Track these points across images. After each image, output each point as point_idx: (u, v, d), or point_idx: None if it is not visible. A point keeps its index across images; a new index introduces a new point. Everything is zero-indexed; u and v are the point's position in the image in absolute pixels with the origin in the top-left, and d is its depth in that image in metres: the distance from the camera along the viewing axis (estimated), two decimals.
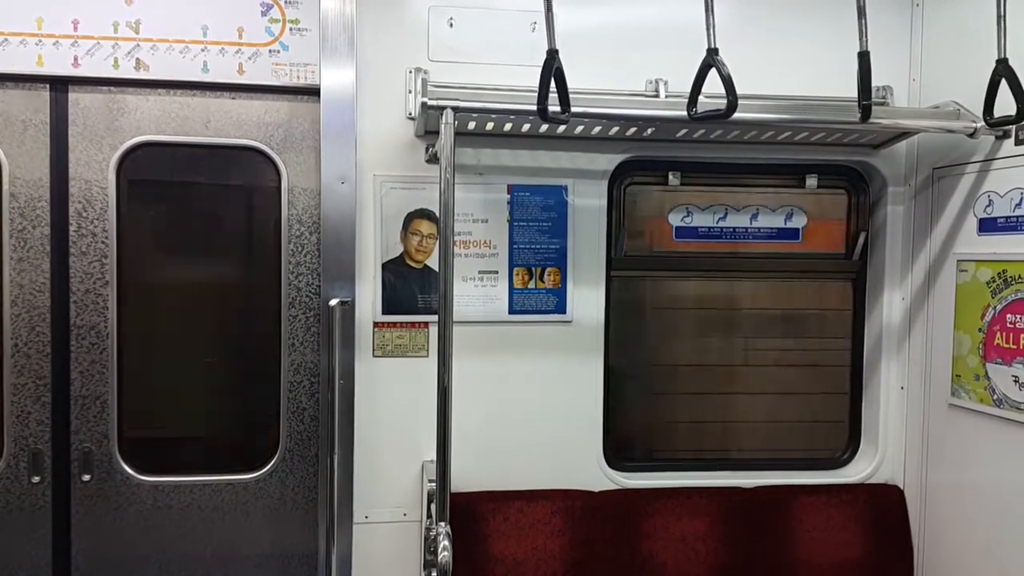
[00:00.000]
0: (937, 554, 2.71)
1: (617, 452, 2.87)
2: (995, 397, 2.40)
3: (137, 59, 2.48)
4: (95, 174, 2.53)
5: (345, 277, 2.60)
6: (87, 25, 2.45)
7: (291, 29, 2.55)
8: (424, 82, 2.51)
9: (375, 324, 2.66)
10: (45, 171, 2.51)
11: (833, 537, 2.76)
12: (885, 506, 2.82)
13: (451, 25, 2.62)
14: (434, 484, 2.33)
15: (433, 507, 2.36)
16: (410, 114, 2.60)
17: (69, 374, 2.55)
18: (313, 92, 2.57)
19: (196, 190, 2.69)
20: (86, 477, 2.57)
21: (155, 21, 2.48)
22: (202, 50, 2.51)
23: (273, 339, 2.66)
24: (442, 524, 2.22)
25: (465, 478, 2.63)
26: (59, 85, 2.50)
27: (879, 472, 2.88)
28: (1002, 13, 1.97)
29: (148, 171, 2.61)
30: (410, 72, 2.59)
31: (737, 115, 2.02)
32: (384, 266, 2.65)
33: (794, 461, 2.96)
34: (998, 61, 2.03)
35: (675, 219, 2.91)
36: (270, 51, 2.55)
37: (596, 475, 2.77)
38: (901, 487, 2.86)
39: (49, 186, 2.51)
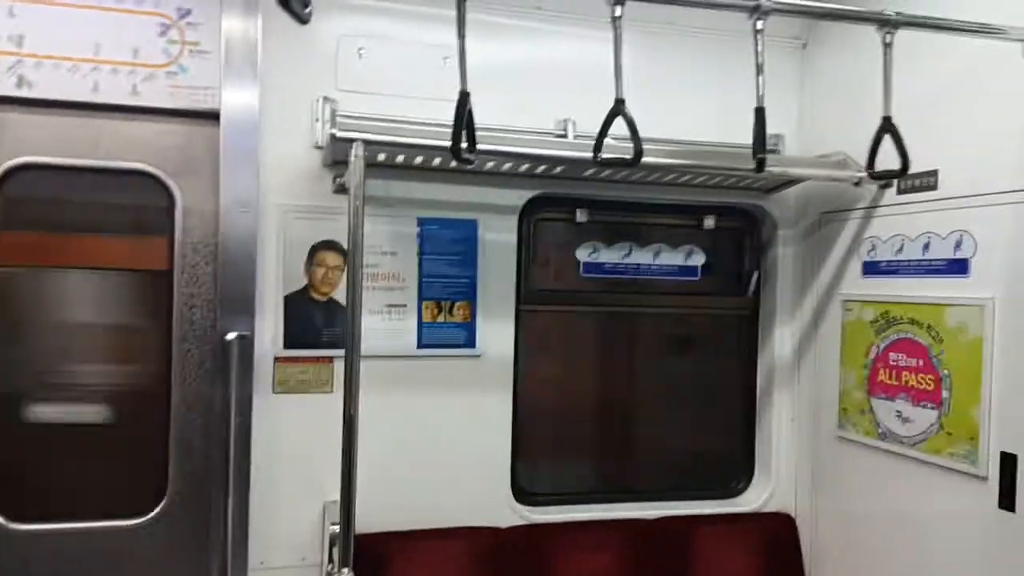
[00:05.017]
0: None
1: (526, 486, 2.83)
2: (880, 431, 2.51)
3: (20, 75, 2.25)
4: None
5: (244, 310, 2.45)
6: None
7: (190, 51, 2.39)
8: (333, 112, 2.43)
9: (276, 359, 2.52)
10: None
11: (729, 565, 2.81)
12: (777, 534, 2.89)
13: (360, 55, 2.55)
14: (336, 526, 2.22)
15: (335, 550, 2.26)
16: (317, 143, 2.51)
17: None
18: (213, 116, 2.42)
19: (83, 215, 2.47)
20: None
21: (41, 36, 2.26)
22: (93, 69, 2.32)
23: (162, 374, 2.47)
24: (345, 570, 2.13)
25: (369, 518, 2.50)
26: None
27: (772, 501, 2.96)
28: (888, 74, 2.09)
29: (30, 194, 2.38)
30: (318, 101, 2.49)
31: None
32: (287, 299, 2.52)
33: (694, 491, 3.01)
34: (884, 118, 2.11)
35: (583, 255, 2.92)
36: (167, 73, 2.38)
37: (504, 511, 2.71)
38: (792, 515, 2.94)
39: None
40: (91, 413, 2.50)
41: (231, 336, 2.40)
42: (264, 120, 2.45)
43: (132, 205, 2.52)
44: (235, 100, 2.43)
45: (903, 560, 2.43)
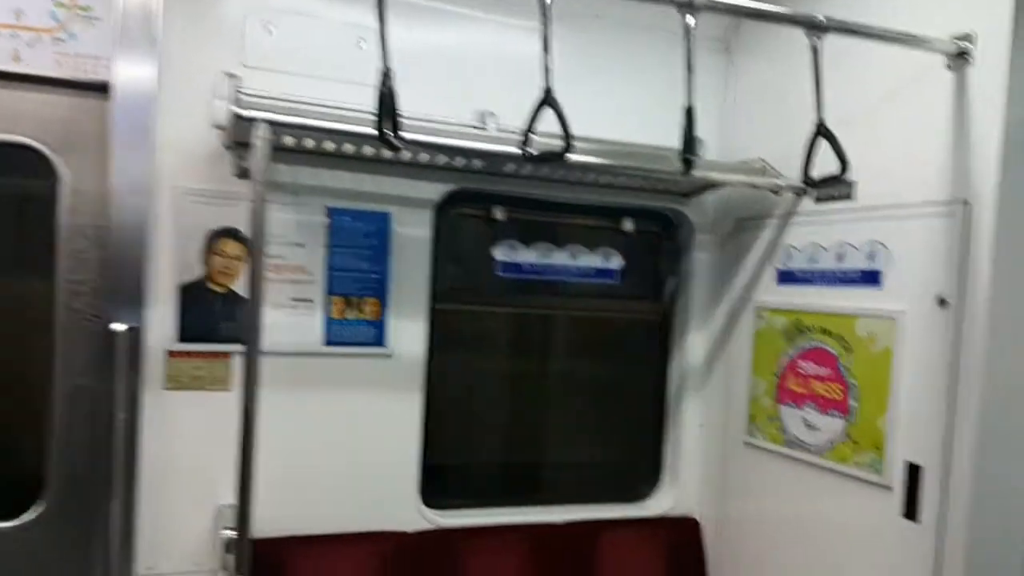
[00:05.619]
0: None
1: (434, 490, 2.69)
2: (787, 438, 2.48)
3: None
4: None
5: (134, 299, 2.23)
6: None
7: (81, 16, 2.14)
8: (236, 90, 2.25)
9: (169, 353, 2.30)
10: None
11: (636, 568, 2.76)
12: (682, 538, 2.85)
13: (269, 31, 2.36)
14: (230, 531, 2.07)
15: (229, 556, 2.12)
16: (218, 123, 2.30)
17: None
18: (105, 89, 2.18)
19: None
20: None
21: None
22: None
23: (42, 367, 2.23)
24: None
25: (269, 523, 2.30)
26: None
27: (678, 505, 2.91)
28: (819, 78, 2.00)
29: None
30: (220, 77, 2.27)
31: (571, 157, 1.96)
32: (182, 289, 2.30)
33: (603, 495, 2.93)
34: (817, 123, 2.03)
35: (500, 253, 2.79)
36: (54, 39, 2.13)
37: (412, 515, 2.58)
38: (698, 520, 2.90)
39: None
40: None
41: (118, 327, 2.19)
42: (161, 95, 2.23)
43: (11, 183, 2.28)
44: (129, 72, 2.19)
45: (806, 567, 2.41)
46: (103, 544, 2.23)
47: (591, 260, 2.92)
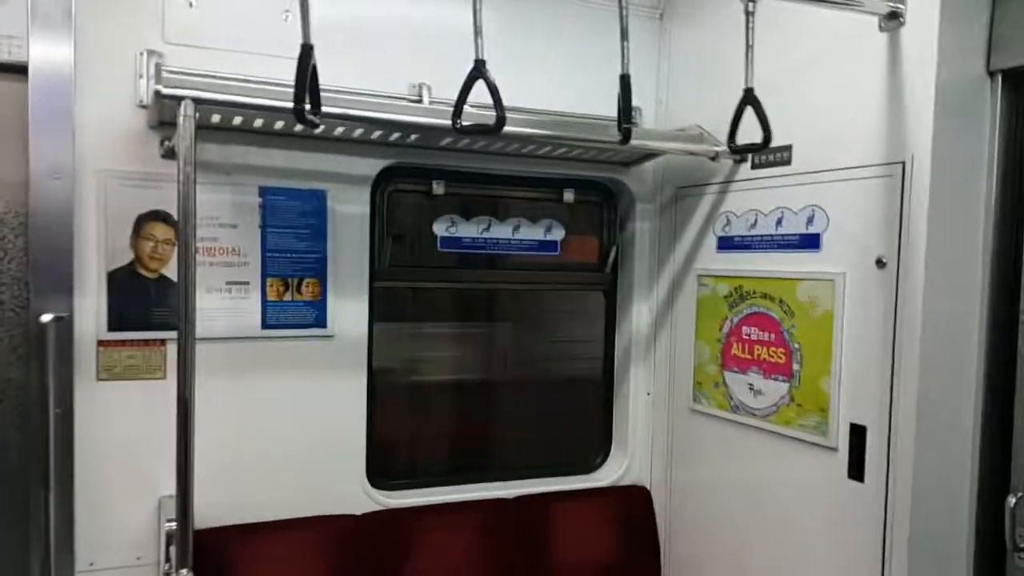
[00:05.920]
0: (680, 547, 2.77)
1: (382, 471, 2.64)
2: (733, 403, 2.47)
3: None
4: None
5: (61, 288, 2.13)
6: None
7: None
8: (158, 67, 2.14)
9: (100, 343, 2.20)
10: None
11: (588, 539, 2.74)
12: (633, 506, 2.84)
13: (190, 4, 2.25)
14: (172, 523, 1.99)
15: (172, 548, 2.05)
16: (141, 102, 2.19)
17: None
18: (20, 70, 2.07)
19: None
20: None
21: None
22: None
23: None
24: (184, 571, 1.91)
25: (212, 512, 2.26)
26: None
27: (628, 474, 2.90)
28: (750, 43, 1.99)
29: None
30: (142, 54, 2.17)
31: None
32: (110, 275, 2.20)
33: (554, 468, 2.91)
34: (745, 90, 2.03)
35: (440, 229, 2.72)
36: None
37: (359, 497, 2.51)
38: (648, 487, 2.90)
39: None
40: None
41: (46, 318, 2.10)
42: (80, 76, 2.12)
43: None
44: (45, 52, 2.09)
45: (755, 529, 2.41)
46: (41, 540, 2.15)
47: (533, 232, 2.87)
